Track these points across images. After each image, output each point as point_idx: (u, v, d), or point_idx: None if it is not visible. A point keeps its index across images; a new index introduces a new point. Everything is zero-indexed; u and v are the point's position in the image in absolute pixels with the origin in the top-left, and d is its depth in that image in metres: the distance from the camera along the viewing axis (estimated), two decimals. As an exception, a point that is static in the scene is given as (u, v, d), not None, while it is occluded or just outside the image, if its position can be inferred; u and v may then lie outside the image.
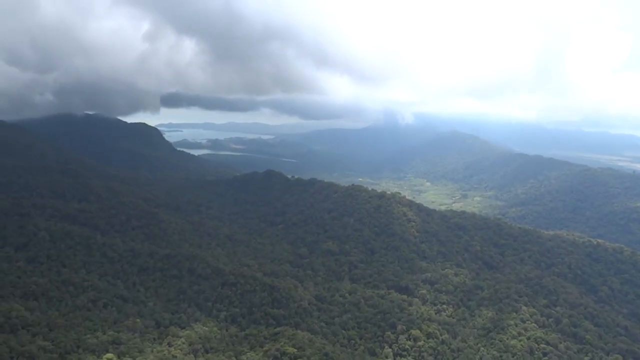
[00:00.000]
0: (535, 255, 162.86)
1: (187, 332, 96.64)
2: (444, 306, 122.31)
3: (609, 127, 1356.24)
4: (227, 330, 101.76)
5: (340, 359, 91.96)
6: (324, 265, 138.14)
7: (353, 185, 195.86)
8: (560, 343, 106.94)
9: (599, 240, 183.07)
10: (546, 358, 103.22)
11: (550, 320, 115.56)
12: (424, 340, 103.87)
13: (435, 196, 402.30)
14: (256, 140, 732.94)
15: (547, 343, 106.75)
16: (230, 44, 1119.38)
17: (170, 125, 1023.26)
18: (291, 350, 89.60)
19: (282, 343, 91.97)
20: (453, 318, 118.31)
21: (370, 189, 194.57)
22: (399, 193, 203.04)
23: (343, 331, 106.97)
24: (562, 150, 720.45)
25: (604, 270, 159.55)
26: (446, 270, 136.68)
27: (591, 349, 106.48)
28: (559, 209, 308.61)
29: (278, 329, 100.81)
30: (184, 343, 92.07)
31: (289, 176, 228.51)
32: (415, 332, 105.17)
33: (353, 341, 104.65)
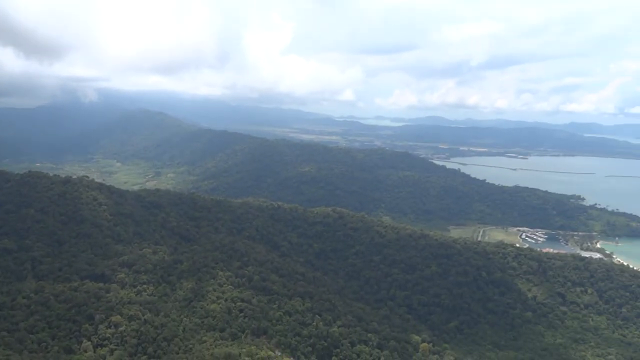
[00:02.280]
0: (227, 223, 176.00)
1: None
2: (145, 286, 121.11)
3: (280, 103, 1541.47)
4: None
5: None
6: None
7: (30, 172, 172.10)
8: (254, 298, 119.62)
9: (279, 203, 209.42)
10: (242, 314, 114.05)
11: (244, 279, 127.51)
12: (126, 325, 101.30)
13: (127, 176, 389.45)
14: None
15: (243, 300, 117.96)
16: None
17: None
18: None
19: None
20: (155, 296, 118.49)
21: (52, 174, 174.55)
22: (87, 176, 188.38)
23: (31, 335, 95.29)
24: (244, 124, 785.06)
25: (284, 228, 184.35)
26: (144, 250, 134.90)
27: (278, 297, 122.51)
28: (245, 178, 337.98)
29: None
30: None
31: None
32: (115, 318, 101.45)
33: (45, 344, 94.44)
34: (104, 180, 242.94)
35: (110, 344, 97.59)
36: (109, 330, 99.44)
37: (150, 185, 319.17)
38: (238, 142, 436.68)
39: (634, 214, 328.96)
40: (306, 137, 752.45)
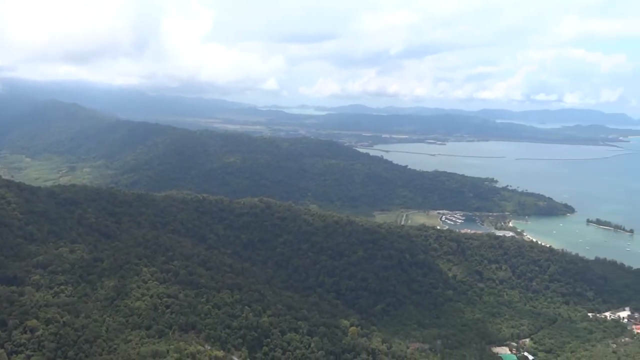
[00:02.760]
0: (150, 217, 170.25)
1: None
2: (62, 287, 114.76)
3: (203, 92, 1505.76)
4: None
5: None
6: None
7: None
8: (180, 292, 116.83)
9: (204, 195, 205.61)
10: (169, 310, 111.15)
11: (169, 274, 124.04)
12: (43, 329, 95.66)
13: (38, 172, 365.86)
14: None
15: (169, 296, 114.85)
16: None
17: None
18: None
19: None
20: (74, 297, 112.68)
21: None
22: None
23: None
24: (165, 115, 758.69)
25: (210, 220, 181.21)
26: (60, 249, 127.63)
27: (206, 290, 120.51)
28: (168, 170, 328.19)
29: None
30: None
31: None
32: (31, 322, 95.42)
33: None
34: (12, 176, 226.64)
35: (27, 349, 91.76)
36: (25, 336, 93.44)
37: (65, 180, 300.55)
38: (159, 133, 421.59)
39: (540, 193, 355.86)
40: (230, 127, 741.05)
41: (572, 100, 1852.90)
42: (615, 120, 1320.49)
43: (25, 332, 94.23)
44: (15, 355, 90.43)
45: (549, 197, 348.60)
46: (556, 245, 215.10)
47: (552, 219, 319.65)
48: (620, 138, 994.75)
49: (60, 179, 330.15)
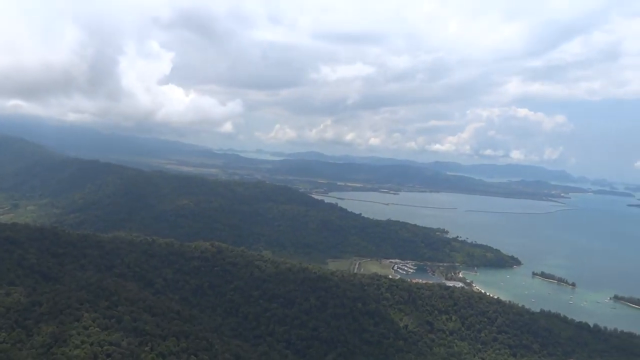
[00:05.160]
0: (96, 259, 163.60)
1: None
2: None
3: (158, 133, 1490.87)
4: None
5: None
6: None
7: None
8: (123, 340, 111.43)
9: (154, 237, 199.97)
10: (110, 358, 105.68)
11: (112, 320, 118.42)
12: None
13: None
14: None
15: (111, 344, 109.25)
16: None
17: None
18: None
19: None
20: (7, 344, 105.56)
21: None
22: None
23: None
24: (118, 154, 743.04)
25: (158, 264, 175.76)
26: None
27: (151, 338, 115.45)
28: (117, 211, 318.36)
29: None
30: None
31: None
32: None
33: None
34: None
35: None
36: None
37: (6, 219, 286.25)
38: (110, 173, 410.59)
39: (489, 245, 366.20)
40: (185, 169, 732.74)
41: (517, 156, 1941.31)
42: (556, 177, 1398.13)
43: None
44: None
45: (496, 249, 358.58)
46: (504, 297, 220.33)
47: (500, 270, 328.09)
48: (562, 194, 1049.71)
49: (1, 216, 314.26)
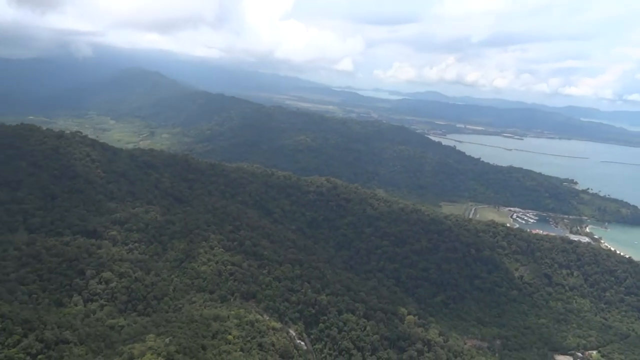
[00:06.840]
0: (221, 187, 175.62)
1: None
2: (136, 244, 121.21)
3: (278, 69, 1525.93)
4: None
5: (21, 317, 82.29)
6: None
7: (22, 124, 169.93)
8: (244, 262, 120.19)
9: (273, 170, 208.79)
10: (232, 277, 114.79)
11: (235, 243, 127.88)
12: (117, 281, 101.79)
13: (121, 134, 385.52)
14: None
15: (233, 264, 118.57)
16: None
17: None
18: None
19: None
20: (146, 255, 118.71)
21: (45, 128, 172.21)
22: (80, 132, 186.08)
23: (22, 287, 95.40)
24: (242, 89, 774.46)
25: (277, 195, 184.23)
26: (137, 209, 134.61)
27: (268, 262, 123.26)
28: (240, 143, 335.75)
29: None
30: None
31: None
32: (106, 274, 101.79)
33: (35, 295, 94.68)
34: (97, 137, 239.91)
35: (101, 299, 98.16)
36: (100, 286, 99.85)
37: (144, 144, 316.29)
38: (234, 106, 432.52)
39: (625, 200, 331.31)
40: (303, 105, 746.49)
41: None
42: None
43: (101, 283, 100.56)
44: (90, 303, 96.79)
45: (633, 205, 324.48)
46: (637, 258, 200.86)
47: (636, 228, 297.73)
48: None
49: (140, 142, 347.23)
